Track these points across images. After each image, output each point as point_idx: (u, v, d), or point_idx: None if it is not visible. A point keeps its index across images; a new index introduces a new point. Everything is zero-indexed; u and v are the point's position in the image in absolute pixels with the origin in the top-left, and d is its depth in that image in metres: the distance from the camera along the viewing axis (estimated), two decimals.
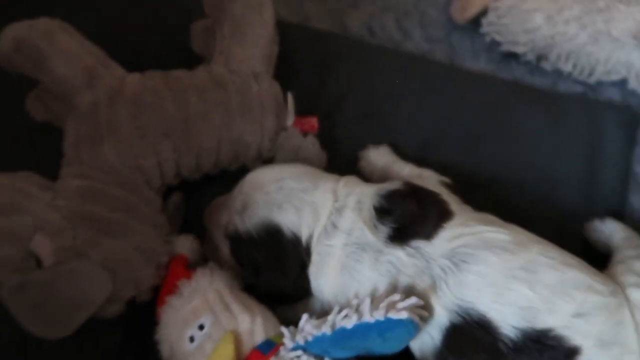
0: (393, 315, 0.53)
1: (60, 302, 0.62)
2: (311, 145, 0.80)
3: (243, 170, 0.78)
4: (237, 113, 0.75)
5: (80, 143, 0.70)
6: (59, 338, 0.62)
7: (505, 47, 0.90)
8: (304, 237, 0.65)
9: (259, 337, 0.60)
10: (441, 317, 0.58)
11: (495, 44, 0.92)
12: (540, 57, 0.88)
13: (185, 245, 0.73)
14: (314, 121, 0.83)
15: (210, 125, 0.74)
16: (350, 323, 0.54)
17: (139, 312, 0.69)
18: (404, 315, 0.53)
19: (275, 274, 0.66)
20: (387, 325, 0.53)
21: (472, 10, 0.88)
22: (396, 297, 0.55)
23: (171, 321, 0.64)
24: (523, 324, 0.56)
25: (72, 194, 0.67)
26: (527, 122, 0.83)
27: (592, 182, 0.79)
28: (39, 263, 0.65)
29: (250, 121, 0.75)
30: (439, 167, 0.78)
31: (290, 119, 0.79)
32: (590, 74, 0.86)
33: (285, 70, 0.83)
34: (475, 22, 0.92)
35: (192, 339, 0.61)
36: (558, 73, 0.89)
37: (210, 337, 0.60)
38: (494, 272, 0.58)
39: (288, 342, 0.58)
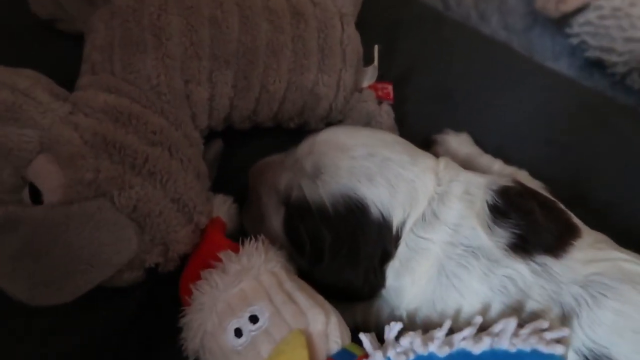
0: (542, 347, 0.40)
1: (61, 254, 0.44)
2: (386, 115, 0.66)
3: (299, 133, 0.63)
4: (315, 55, 0.59)
5: (115, 48, 0.52)
6: (49, 305, 0.44)
7: (594, 53, 0.81)
8: (395, 222, 0.51)
9: (335, 343, 0.45)
10: None
11: (579, 48, 0.83)
12: (631, 72, 0.80)
13: (223, 208, 0.57)
14: (389, 88, 0.69)
15: (282, 62, 0.58)
16: (478, 348, 0.41)
17: (158, 284, 0.52)
18: (558, 350, 0.40)
19: (347, 261, 0.52)
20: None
21: (573, 4, 0.78)
22: (544, 324, 0.42)
23: (209, 304, 0.47)
24: None
25: (97, 111, 0.49)
26: (618, 139, 0.74)
27: None
28: (35, 197, 0.47)
29: (328, 69, 0.60)
30: None
31: (370, 79, 0.65)
32: None
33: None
34: (560, 21, 0.83)
35: (238, 333, 0.46)
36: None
37: (268, 335, 0.45)
38: (638, 315, 0.47)
39: (377, 356, 0.44)
